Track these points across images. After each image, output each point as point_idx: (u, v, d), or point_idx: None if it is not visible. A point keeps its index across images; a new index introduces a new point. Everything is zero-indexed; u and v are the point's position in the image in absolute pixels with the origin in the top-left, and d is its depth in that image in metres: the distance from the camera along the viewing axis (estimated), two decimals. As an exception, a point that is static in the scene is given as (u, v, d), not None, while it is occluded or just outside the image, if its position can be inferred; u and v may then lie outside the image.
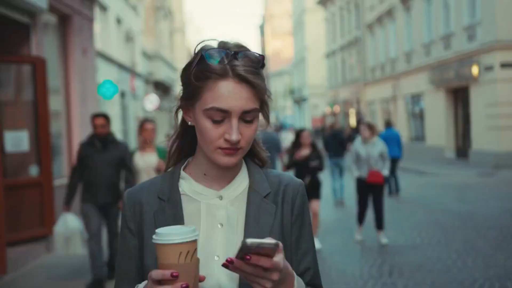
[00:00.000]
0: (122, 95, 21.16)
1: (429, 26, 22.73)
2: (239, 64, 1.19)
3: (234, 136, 1.19)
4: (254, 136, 1.26)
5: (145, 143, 6.02)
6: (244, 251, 1.05)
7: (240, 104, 1.19)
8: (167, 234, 1.08)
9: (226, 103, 1.19)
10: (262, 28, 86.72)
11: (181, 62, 45.33)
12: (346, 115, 38.43)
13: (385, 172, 7.74)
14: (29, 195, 6.38)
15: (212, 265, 1.22)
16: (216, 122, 1.21)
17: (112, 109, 17.97)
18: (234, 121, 1.20)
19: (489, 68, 17.71)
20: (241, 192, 1.31)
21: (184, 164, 1.35)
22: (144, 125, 6.02)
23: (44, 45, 7.08)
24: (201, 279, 1.12)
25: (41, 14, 6.94)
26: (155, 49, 30.32)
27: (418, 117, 25.16)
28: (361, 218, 7.81)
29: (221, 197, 1.29)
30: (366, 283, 5.89)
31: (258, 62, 1.23)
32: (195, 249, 1.09)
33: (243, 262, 1.06)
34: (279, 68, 73.63)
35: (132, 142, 20.92)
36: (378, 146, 7.73)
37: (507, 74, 17.15)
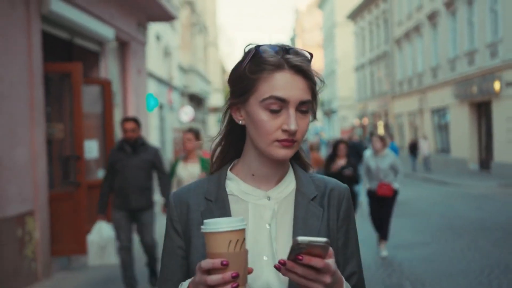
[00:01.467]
0: (161, 107, 22.54)
1: (454, 42, 23.61)
2: (292, 57, 1.22)
3: (292, 126, 1.20)
4: (307, 129, 1.26)
5: (188, 153, 5.79)
6: (296, 251, 1.05)
7: (297, 94, 1.21)
8: (216, 223, 1.09)
9: (284, 92, 1.20)
10: (293, 41, 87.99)
11: (214, 75, 46.85)
12: (375, 127, 39.28)
13: (396, 185, 7.69)
14: (97, 194, 7.64)
15: (261, 265, 1.22)
16: (274, 112, 1.21)
17: (152, 120, 19.36)
18: (292, 111, 1.21)
19: (510, 84, 18.55)
20: (289, 194, 1.31)
21: (231, 165, 1.35)
22: (185, 135, 5.75)
23: (108, 68, 8.42)
24: (250, 271, 1.12)
25: (108, 43, 8.29)
26: (190, 63, 31.77)
27: (443, 130, 25.95)
28: (378, 230, 7.83)
29: (269, 198, 1.29)
30: (378, 269, 6.97)
31: (308, 58, 1.26)
32: (244, 239, 1.10)
33: (295, 263, 1.06)
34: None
35: (168, 152, 22.27)
36: (388, 158, 7.72)
37: (526, 90, 17.96)
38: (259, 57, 1.22)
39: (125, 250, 5.63)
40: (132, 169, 5.51)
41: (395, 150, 13.53)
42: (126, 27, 9.17)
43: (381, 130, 37.22)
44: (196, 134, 5.72)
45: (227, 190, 1.31)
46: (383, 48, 36.26)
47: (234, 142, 1.35)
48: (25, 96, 5.88)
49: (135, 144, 5.56)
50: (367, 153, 8.18)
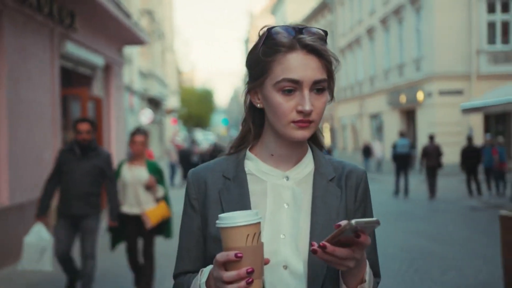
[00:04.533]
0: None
1: (388, 55, 26.68)
2: (305, 36, 1.23)
3: (307, 106, 1.20)
4: (324, 109, 1.26)
5: (136, 156, 5.48)
6: (347, 233, 1.07)
7: (311, 74, 1.21)
8: (233, 217, 1.10)
9: (296, 73, 1.21)
10: (247, 42, 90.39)
11: (171, 78, 48.96)
12: (321, 130, 42.23)
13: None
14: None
15: (278, 243, 1.24)
16: (288, 94, 1.22)
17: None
18: (306, 92, 1.21)
19: (430, 95, 21.66)
20: (307, 174, 1.33)
21: (250, 146, 1.36)
22: (134, 137, 5.43)
23: (98, 87, 10.76)
24: (266, 262, 1.13)
25: (98, 68, 10.64)
26: (149, 68, 33.89)
27: (379, 132, 29.05)
28: None
29: (287, 178, 1.30)
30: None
31: (322, 36, 1.26)
32: (260, 232, 1.11)
33: (335, 247, 1.09)
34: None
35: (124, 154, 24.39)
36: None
37: (443, 100, 21.11)
38: (272, 39, 1.23)
39: (61, 262, 5.25)
40: (79, 173, 5.16)
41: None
42: (110, 53, 11.50)
43: (327, 133, 40.23)
44: (147, 136, 5.56)
45: (246, 169, 1.33)
46: (329, 56, 39.16)
47: (254, 126, 1.35)
48: (49, 112, 8.17)
49: (87, 147, 5.19)
50: None
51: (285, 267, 1.23)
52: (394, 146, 15.86)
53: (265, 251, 1.14)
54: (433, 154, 14.76)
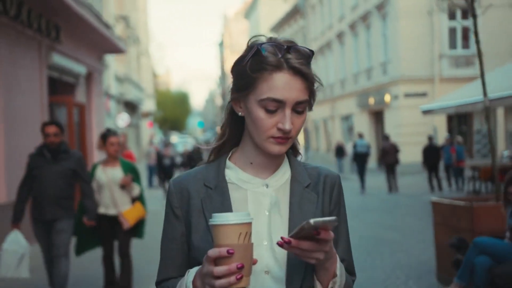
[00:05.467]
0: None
1: (357, 60, 27.74)
2: (292, 57, 1.27)
3: (287, 125, 1.26)
4: (302, 127, 1.33)
5: (110, 157, 5.49)
6: (306, 231, 1.14)
7: (294, 95, 1.26)
8: (227, 216, 1.15)
9: (281, 94, 1.25)
10: (221, 45, 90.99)
11: (146, 81, 49.46)
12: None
13: None
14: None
15: (261, 250, 1.29)
16: (270, 112, 1.27)
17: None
18: (288, 111, 1.26)
19: (396, 97, 22.75)
20: (285, 182, 1.38)
21: (229, 154, 1.40)
22: (109, 139, 5.41)
23: (80, 94, 11.47)
24: (254, 262, 1.18)
25: (81, 76, 11.35)
26: (125, 72, 34.44)
27: (350, 133, 30.11)
28: None
29: (267, 185, 1.36)
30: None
31: (309, 56, 1.32)
32: (251, 233, 1.16)
33: (300, 240, 1.16)
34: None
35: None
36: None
37: (408, 102, 22.20)
38: (260, 55, 1.27)
39: (49, 262, 5.27)
40: (50, 177, 5.08)
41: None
42: (91, 61, 12.22)
43: (300, 135, 41.20)
44: (117, 137, 5.55)
45: (226, 178, 1.36)
46: (301, 59, 40.19)
47: (234, 132, 1.40)
48: (38, 118, 8.87)
49: (57, 150, 5.13)
50: None
51: (267, 272, 1.28)
52: (354, 146, 17.22)
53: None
54: (390, 152, 15.96)
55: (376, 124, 26.25)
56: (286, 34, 45.22)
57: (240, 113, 1.35)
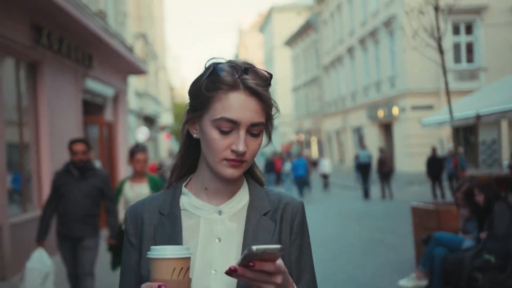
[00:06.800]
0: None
1: (367, 73, 28.82)
2: (249, 78, 1.24)
3: (241, 147, 1.22)
4: (258, 151, 1.27)
5: (137, 174, 5.49)
6: (249, 258, 1.08)
7: (249, 116, 1.23)
8: (162, 249, 1.13)
9: (235, 114, 1.22)
10: (237, 57, 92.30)
11: (164, 95, 50.90)
12: (308, 143, 44.44)
13: None
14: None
15: (209, 278, 1.25)
16: (224, 133, 1.23)
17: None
18: (242, 133, 1.23)
19: (404, 110, 23.77)
20: (241, 209, 1.33)
21: (187, 181, 1.37)
22: (136, 156, 5.43)
23: (108, 113, 12.75)
24: None
25: (109, 97, 12.64)
26: (144, 87, 35.84)
27: (360, 144, 31.12)
28: None
29: (220, 212, 1.31)
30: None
31: (267, 79, 1.27)
32: (188, 267, 1.13)
33: (247, 269, 1.08)
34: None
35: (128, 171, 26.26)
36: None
37: (415, 114, 23.19)
38: (216, 75, 1.23)
39: (73, 277, 5.30)
40: (78, 195, 5.11)
41: (304, 163, 18.71)
42: (117, 83, 13.52)
43: (314, 146, 42.32)
44: (146, 153, 5.58)
45: (180, 204, 1.32)
46: (315, 72, 41.28)
47: (191, 156, 1.36)
48: (75, 136, 10.07)
49: (84, 168, 5.17)
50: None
51: None
52: (357, 157, 18.86)
53: (196, 287, 1.20)
54: (386, 163, 17.53)
55: (386, 136, 27.25)
56: (299, 48, 46.44)
57: (195, 135, 1.31)
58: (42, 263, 5.08)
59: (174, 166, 1.39)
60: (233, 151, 1.24)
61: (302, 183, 19.93)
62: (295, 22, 47.73)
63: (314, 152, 40.10)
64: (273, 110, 1.30)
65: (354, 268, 7.74)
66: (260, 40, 74.81)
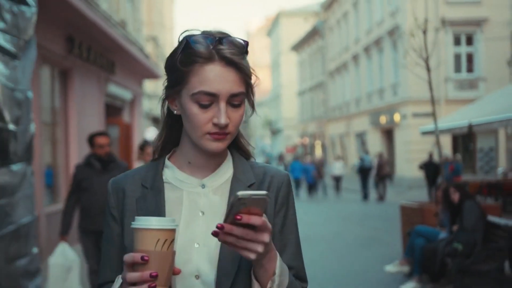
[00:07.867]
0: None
1: (371, 80, 29.71)
2: (225, 48, 1.20)
3: (222, 120, 1.19)
4: (241, 121, 1.25)
5: None
6: (236, 208, 1.05)
7: (228, 87, 1.19)
8: (147, 220, 1.10)
9: (213, 87, 1.19)
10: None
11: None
12: (313, 147, 45.34)
13: None
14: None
15: (191, 251, 1.23)
16: (204, 107, 1.20)
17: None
18: (222, 105, 1.20)
19: (405, 117, 24.66)
20: (225, 181, 1.31)
21: (170, 154, 1.35)
22: (146, 149, 5.72)
23: (126, 115, 13.72)
24: (176, 272, 1.13)
25: (127, 100, 13.60)
26: (153, 89, 36.81)
27: (363, 149, 32.01)
28: None
29: (203, 186, 1.30)
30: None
31: (243, 47, 1.23)
32: (173, 240, 1.10)
33: (234, 225, 1.06)
34: (258, 99, 79.65)
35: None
36: None
37: (415, 121, 24.06)
38: (190, 48, 1.20)
39: (95, 273, 5.18)
40: (101, 188, 4.97)
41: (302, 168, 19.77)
42: (134, 87, 14.49)
43: (318, 150, 43.21)
44: None
45: (164, 178, 1.31)
46: (320, 78, 42.17)
47: (173, 131, 1.34)
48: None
49: (106, 161, 5.19)
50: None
51: (197, 276, 1.22)
52: (362, 159, 20.16)
53: (178, 260, 1.16)
54: (384, 167, 18.90)
55: (387, 142, 28.14)
56: (305, 53, 47.34)
57: (175, 112, 1.29)
58: (64, 258, 5.06)
59: (157, 143, 1.36)
60: (215, 125, 1.21)
61: (297, 185, 21.63)
62: (302, 27, 48.58)
63: (318, 155, 40.95)
64: (253, 78, 1.27)
65: (349, 259, 8.66)
66: (266, 43, 75.57)
